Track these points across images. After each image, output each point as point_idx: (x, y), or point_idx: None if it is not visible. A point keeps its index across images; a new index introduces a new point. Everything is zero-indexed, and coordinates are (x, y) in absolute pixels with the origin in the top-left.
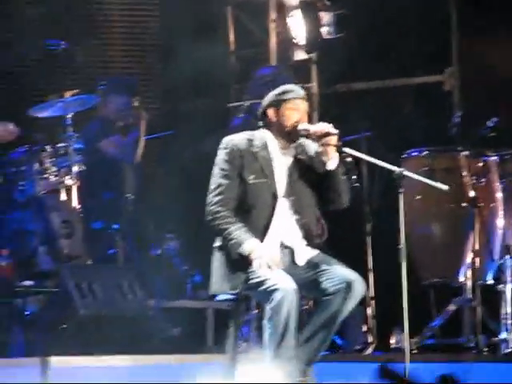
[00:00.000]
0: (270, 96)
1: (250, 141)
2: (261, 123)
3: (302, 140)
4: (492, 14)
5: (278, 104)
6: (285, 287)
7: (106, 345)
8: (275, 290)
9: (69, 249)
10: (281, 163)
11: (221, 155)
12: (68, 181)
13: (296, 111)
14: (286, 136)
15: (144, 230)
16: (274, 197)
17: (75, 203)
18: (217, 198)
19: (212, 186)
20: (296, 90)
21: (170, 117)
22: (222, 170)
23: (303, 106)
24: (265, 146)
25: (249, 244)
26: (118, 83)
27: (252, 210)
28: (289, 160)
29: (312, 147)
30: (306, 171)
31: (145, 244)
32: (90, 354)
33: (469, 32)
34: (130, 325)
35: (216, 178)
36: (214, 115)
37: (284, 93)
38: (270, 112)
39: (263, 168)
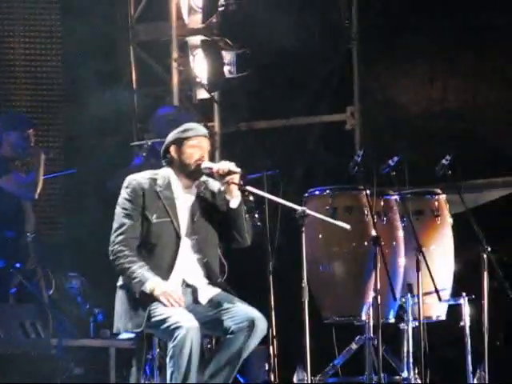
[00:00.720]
0: (172, 134)
1: (153, 180)
2: (164, 162)
3: (205, 178)
4: (393, 52)
5: (179, 142)
6: (187, 325)
7: None
8: (177, 327)
9: None
10: (184, 202)
11: (123, 194)
12: None
13: (198, 149)
14: (188, 174)
15: (46, 268)
16: (178, 236)
17: None
18: (119, 238)
19: (115, 226)
20: (197, 128)
21: (72, 155)
22: (125, 209)
23: (205, 143)
24: (168, 185)
25: (151, 282)
26: (11, 119)
27: (155, 249)
28: (192, 199)
29: (215, 185)
30: (209, 210)
31: (47, 283)
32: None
33: (370, 70)
34: (32, 364)
35: (118, 218)
36: (116, 153)
37: (186, 131)
38: (172, 150)
39: (166, 207)
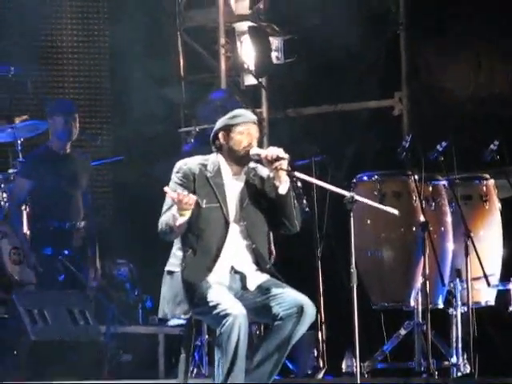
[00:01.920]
0: (221, 121)
1: (203, 165)
2: (213, 148)
3: (254, 164)
4: (440, 38)
5: (228, 128)
6: (235, 313)
7: (58, 371)
8: (226, 315)
9: (19, 275)
10: (233, 188)
11: (174, 179)
12: None
13: (246, 135)
14: (237, 160)
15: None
16: (226, 222)
17: (25, 229)
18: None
19: (164, 208)
20: (246, 114)
21: (120, 142)
22: (175, 192)
23: (254, 130)
24: (218, 171)
25: (171, 213)
26: (56, 104)
27: (203, 235)
28: (241, 185)
29: (263, 172)
30: (258, 196)
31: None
32: (42, 380)
33: (418, 56)
34: (81, 351)
35: (169, 201)
36: (165, 140)
37: (234, 117)
38: (221, 136)
39: (216, 193)
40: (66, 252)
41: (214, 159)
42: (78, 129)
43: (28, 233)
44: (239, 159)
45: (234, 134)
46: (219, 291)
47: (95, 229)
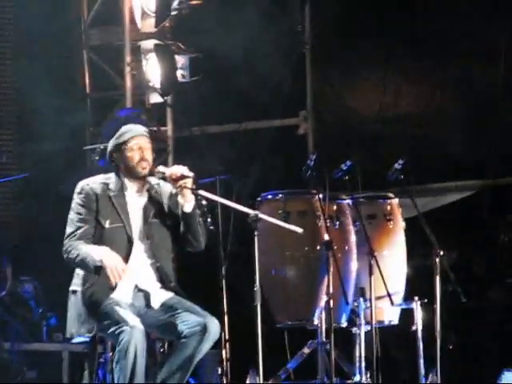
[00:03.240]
0: (111, 141)
1: (106, 184)
2: (112, 168)
3: (156, 180)
4: (346, 57)
5: (118, 148)
6: (131, 330)
7: None
8: (121, 332)
9: None
10: (136, 206)
11: (76, 200)
12: None
13: (137, 150)
14: (135, 177)
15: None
16: (130, 241)
17: None
18: (73, 239)
19: (69, 230)
20: (133, 129)
21: (25, 159)
22: (79, 214)
23: (144, 142)
24: (119, 190)
25: (99, 252)
26: None
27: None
28: (144, 201)
29: (166, 187)
30: (162, 212)
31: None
32: None
33: (323, 75)
34: None
35: (72, 223)
36: (70, 157)
37: (121, 135)
38: (115, 157)
39: (119, 212)
40: None
41: (116, 178)
42: None
43: None
44: (137, 175)
45: (125, 151)
46: (119, 309)
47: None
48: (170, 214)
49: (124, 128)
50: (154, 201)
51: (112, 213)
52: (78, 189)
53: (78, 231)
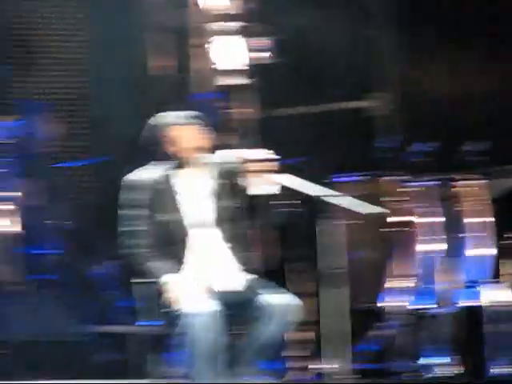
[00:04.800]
0: (161, 128)
1: (156, 175)
2: (163, 156)
3: (219, 161)
4: (423, 37)
5: (170, 134)
6: (205, 312)
7: (42, 370)
8: (195, 315)
9: (2, 274)
10: (192, 193)
11: (126, 195)
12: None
13: (188, 137)
14: (187, 163)
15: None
16: (190, 229)
17: (9, 228)
18: (133, 240)
19: (124, 228)
20: (184, 116)
21: (101, 143)
22: (132, 208)
23: (193, 131)
24: (171, 179)
25: (165, 276)
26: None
27: (169, 246)
28: (201, 187)
29: (231, 169)
30: (227, 195)
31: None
32: (26, 379)
33: (399, 56)
34: (64, 350)
35: (127, 219)
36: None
37: (171, 122)
38: (166, 144)
39: (176, 202)
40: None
41: (171, 167)
42: None
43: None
44: (192, 162)
45: (176, 138)
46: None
47: None
48: (239, 193)
49: (174, 114)
50: (217, 183)
51: (167, 204)
52: (126, 184)
53: (133, 226)
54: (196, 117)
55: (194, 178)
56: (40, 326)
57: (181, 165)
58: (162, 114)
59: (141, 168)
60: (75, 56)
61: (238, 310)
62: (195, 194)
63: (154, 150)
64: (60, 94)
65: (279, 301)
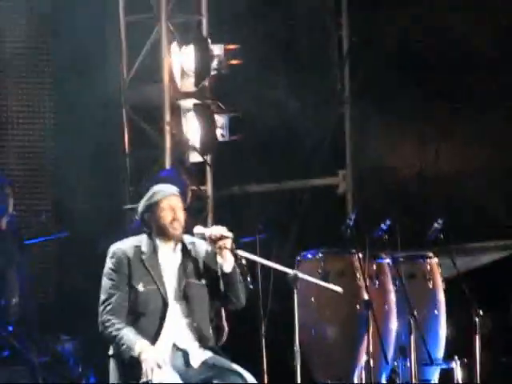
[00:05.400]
0: (142, 202)
1: (138, 247)
2: (144, 229)
3: (192, 240)
4: (386, 116)
5: (150, 208)
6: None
7: None
8: None
9: None
10: (170, 267)
11: (109, 264)
12: None
13: (169, 210)
14: (168, 237)
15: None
16: (165, 303)
17: None
18: (107, 309)
19: (102, 297)
20: (164, 189)
21: (65, 217)
22: (111, 280)
23: (175, 201)
24: (152, 251)
25: (138, 346)
26: None
27: (142, 318)
28: (178, 262)
29: (202, 246)
30: (198, 271)
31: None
32: None
33: (362, 134)
34: None
35: (105, 289)
36: (110, 216)
37: (153, 195)
38: (146, 218)
39: (152, 275)
40: (10, 328)
41: (148, 239)
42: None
43: None
44: (170, 235)
45: (157, 212)
46: (159, 372)
47: (34, 305)
48: (206, 272)
49: (155, 188)
50: (188, 260)
51: (145, 276)
52: (109, 253)
53: (112, 299)
54: (179, 192)
55: (172, 252)
56: None
57: (163, 237)
58: (158, 186)
59: (125, 239)
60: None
61: None
62: (171, 268)
63: (142, 221)
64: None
65: (238, 377)
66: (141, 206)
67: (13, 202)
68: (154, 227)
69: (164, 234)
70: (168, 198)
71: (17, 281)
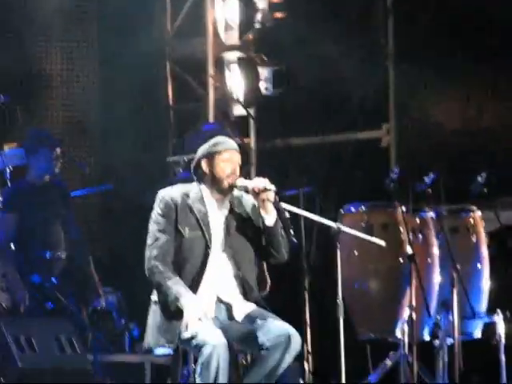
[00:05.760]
0: (203, 148)
1: (185, 194)
2: (195, 176)
3: (239, 193)
4: (429, 71)
5: (210, 156)
6: (214, 342)
7: None
8: (204, 344)
9: (6, 302)
10: (217, 216)
11: (156, 209)
12: None
13: (229, 163)
14: (220, 189)
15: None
16: (208, 249)
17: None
18: (154, 253)
19: (149, 241)
20: (228, 141)
21: (108, 170)
22: (158, 223)
23: (236, 157)
24: (200, 199)
25: (185, 299)
26: (37, 137)
27: (186, 264)
28: (225, 213)
29: (249, 200)
30: (243, 225)
31: (83, 297)
32: None
33: (406, 88)
34: (69, 379)
35: (152, 233)
36: (153, 169)
37: (216, 145)
38: (204, 164)
39: (199, 221)
40: (54, 280)
41: (197, 188)
42: (67, 156)
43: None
44: (223, 187)
45: (217, 161)
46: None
47: (87, 257)
48: (252, 226)
49: (219, 138)
50: (235, 213)
51: (192, 222)
52: (158, 198)
53: (158, 242)
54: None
55: (220, 202)
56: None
57: (215, 187)
58: (221, 137)
59: (174, 185)
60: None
61: (242, 340)
62: (218, 218)
63: (197, 166)
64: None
65: (281, 331)
66: (200, 151)
67: (61, 162)
68: (208, 175)
69: (217, 184)
70: (230, 151)
71: (69, 236)
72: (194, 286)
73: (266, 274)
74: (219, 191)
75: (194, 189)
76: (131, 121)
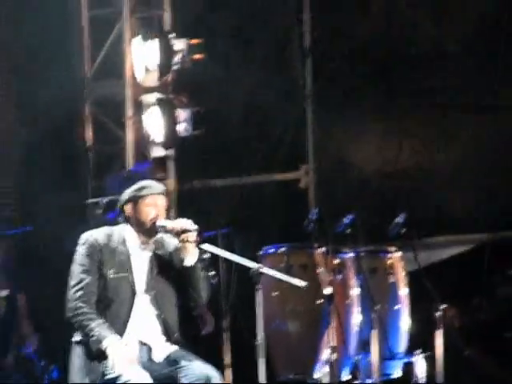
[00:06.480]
0: (128, 192)
1: (109, 236)
2: (120, 218)
3: (161, 235)
4: (347, 112)
5: (135, 200)
6: (138, 382)
7: None
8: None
9: None
10: (141, 258)
11: (80, 250)
12: None
13: (153, 207)
14: (144, 232)
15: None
16: (133, 292)
17: None
18: (78, 294)
19: (72, 282)
20: (153, 186)
21: (27, 213)
22: (82, 265)
23: (161, 201)
24: (123, 241)
25: (107, 341)
26: None
27: (112, 305)
28: (149, 255)
29: (171, 242)
30: (166, 267)
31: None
32: None
33: (324, 128)
34: None
35: (76, 274)
36: (72, 211)
37: (141, 189)
38: (128, 208)
39: (122, 263)
40: None
41: (121, 229)
42: None
43: None
44: (146, 230)
45: (141, 206)
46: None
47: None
48: (174, 267)
49: (144, 183)
50: (158, 254)
51: (116, 263)
52: (81, 240)
53: (82, 283)
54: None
55: (144, 244)
56: None
57: (139, 231)
58: (147, 181)
59: (98, 228)
60: None
61: (162, 381)
62: (141, 259)
63: (121, 209)
64: None
65: (202, 373)
66: (125, 195)
67: None
68: (132, 219)
69: (141, 227)
70: (155, 196)
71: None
72: (120, 327)
73: (208, 311)
74: (144, 233)
75: (117, 231)
76: (51, 163)
